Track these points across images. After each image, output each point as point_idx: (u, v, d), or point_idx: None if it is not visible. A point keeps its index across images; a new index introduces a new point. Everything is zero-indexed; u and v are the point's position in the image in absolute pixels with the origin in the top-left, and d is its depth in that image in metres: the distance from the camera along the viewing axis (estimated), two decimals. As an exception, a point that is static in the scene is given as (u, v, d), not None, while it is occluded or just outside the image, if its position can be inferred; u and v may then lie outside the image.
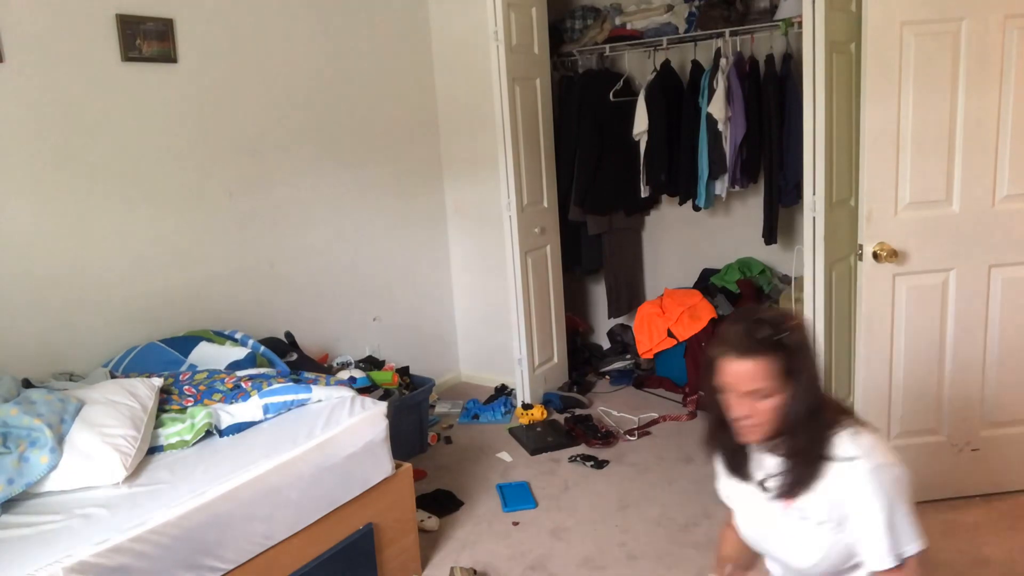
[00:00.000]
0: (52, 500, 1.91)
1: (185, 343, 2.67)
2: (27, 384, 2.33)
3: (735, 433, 1.57)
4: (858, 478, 1.49)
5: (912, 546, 1.49)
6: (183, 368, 2.59)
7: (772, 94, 3.61)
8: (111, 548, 1.72)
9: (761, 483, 1.60)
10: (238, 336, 2.83)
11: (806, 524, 1.55)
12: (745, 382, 1.48)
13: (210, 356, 2.63)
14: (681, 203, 4.04)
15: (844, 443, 1.52)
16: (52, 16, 2.52)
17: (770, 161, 3.68)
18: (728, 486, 1.73)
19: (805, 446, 1.52)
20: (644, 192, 4.06)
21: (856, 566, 1.56)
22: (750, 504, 1.66)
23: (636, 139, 3.97)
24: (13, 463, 1.89)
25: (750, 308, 1.50)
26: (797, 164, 3.55)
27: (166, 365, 2.57)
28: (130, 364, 2.56)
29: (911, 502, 1.50)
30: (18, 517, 1.83)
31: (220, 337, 2.80)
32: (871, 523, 1.48)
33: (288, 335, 3.23)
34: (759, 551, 1.73)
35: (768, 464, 1.60)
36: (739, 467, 1.65)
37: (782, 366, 1.47)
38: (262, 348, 2.81)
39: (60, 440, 1.99)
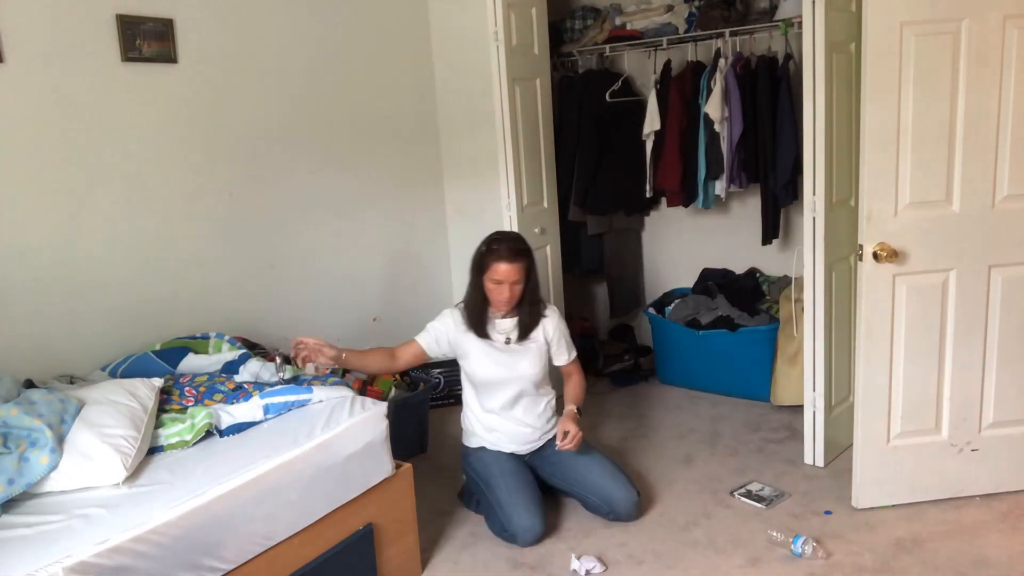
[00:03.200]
0: (52, 500, 1.91)
1: (173, 354, 2.65)
2: (29, 385, 2.33)
3: (489, 306, 2.79)
4: (552, 322, 2.88)
5: (574, 352, 2.96)
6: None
7: (768, 95, 3.61)
8: (111, 548, 1.72)
9: (507, 339, 2.82)
10: (226, 338, 2.82)
11: (531, 349, 2.82)
12: (512, 276, 2.69)
13: (197, 367, 2.63)
14: (686, 205, 4.04)
15: (544, 305, 2.91)
16: (52, 16, 2.52)
17: (767, 161, 3.68)
18: (463, 343, 2.82)
19: (534, 309, 2.82)
20: (648, 192, 4.06)
21: (544, 367, 2.87)
22: (485, 353, 2.80)
23: (644, 139, 3.98)
24: (13, 463, 1.89)
25: (506, 232, 2.92)
26: (787, 164, 3.57)
27: (158, 376, 2.55)
28: (126, 372, 2.55)
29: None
30: (18, 517, 1.83)
31: (203, 341, 2.79)
32: (560, 341, 2.90)
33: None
34: (491, 383, 2.81)
35: (503, 326, 2.82)
36: (481, 328, 2.80)
37: (528, 266, 2.73)
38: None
39: (60, 440, 1.99)
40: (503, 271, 2.66)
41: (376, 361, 2.82)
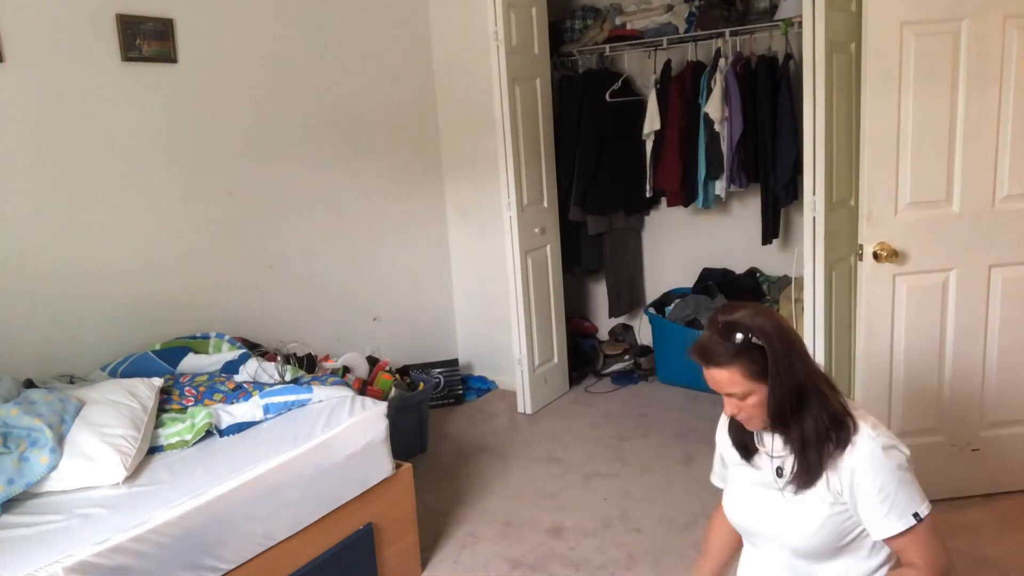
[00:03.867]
0: (52, 500, 1.91)
1: (173, 354, 2.66)
2: (29, 385, 2.33)
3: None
4: (863, 457, 1.51)
5: (921, 508, 1.53)
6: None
7: (768, 94, 3.61)
8: (111, 548, 1.72)
9: (778, 470, 1.62)
10: (226, 338, 2.82)
11: (806, 501, 1.58)
12: (723, 387, 1.55)
13: (197, 367, 2.63)
14: (686, 205, 4.04)
15: (846, 427, 1.55)
16: (52, 16, 2.52)
17: (767, 161, 3.68)
18: (729, 470, 1.76)
19: (806, 437, 1.55)
20: (648, 192, 4.06)
21: (852, 542, 1.59)
22: (746, 485, 1.69)
23: (644, 139, 3.98)
24: (13, 463, 1.90)
25: (724, 307, 1.61)
26: (787, 164, 3.57)
27: (158, 376, 2.56)
28: (126, 372, 2.55)
29: (912, 472, 1.55)
30: (18, 517, 1.83)
31: (203, 341, 2.79)
32: (875, 496, 1.50)
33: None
34: (746, 533, 1.74)
35: (775, 445, 1.63)
36: (743, 443, 1.69)
37: (753, 368, 1.51)
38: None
39: (60, 440, 1.99)
40: (711, 380, 1.57)
41: (720, 530, 1.86)
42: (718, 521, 1.85)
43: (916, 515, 1.52)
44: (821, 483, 1.56)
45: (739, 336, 1.51)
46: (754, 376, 1.52)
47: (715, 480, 1.86)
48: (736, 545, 1.82)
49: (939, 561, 1.57)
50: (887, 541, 1.55)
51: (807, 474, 1.56)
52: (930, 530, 1.55)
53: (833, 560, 1.61)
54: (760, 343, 1.51)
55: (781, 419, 1.55)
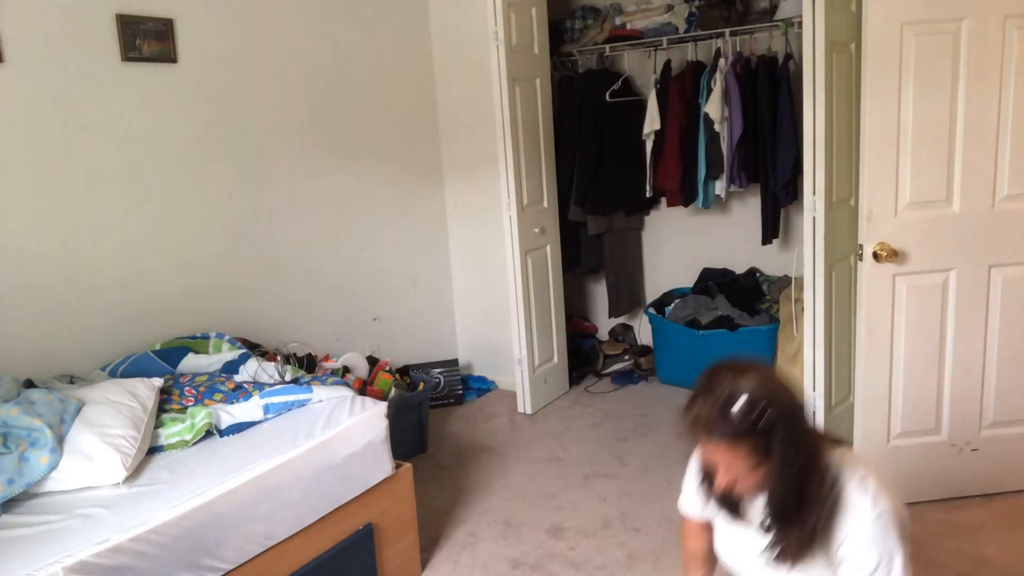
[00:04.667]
0: (52, 500, 1.91)
1: (174, 354, 2.66)
2: (29, 385, 2.33)
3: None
4: (860, 525, 1.43)
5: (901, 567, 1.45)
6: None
7: (768, 94, 3.61)
8: (111, 548, 1.72)
9: (763, 525, 1.51)
10: (227, 338, 2.83)
11: (808, 569, 1.50)
12: (723, 463, 1.42)
13: (197, 367, 2.63)
14: (686, 204, 4.04)
15: (845, 490, 1.45)
16: (52, 16, 2.52)
17: (767, 161, 3.68)
18: (708, 507, 1.66)
19: (799, 516, 1.43)
20: (648, 192, 4.06)
21: None
22: (733, 531, 1.61)
23: (644, 139, 3.98)
24: (13, 463, 1.90)
25: (721, 368, 1.45)
26: (787, 165, 3.56)
27: (158, 376, 2.56)
28: (126, 372, 2.55)
29: (907, 541, 1.48)
30: (18, 517, 1.83)
31: (203, 341, 2.79)
32: (869, 567, 1.43)
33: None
34: (729, 568, 1.68)
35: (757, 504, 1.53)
36: (734, 508, 1.57)
37: (760, 447, 1.38)
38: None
39: (60, 440, 1.99)
40: (710, 453, 1.46)
41: (696, 537, 1.81)
42: (690, 536, 1.81)
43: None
44: (819, 549, 1.46)
45: (746, 414, 1.36)
46: (758, 455, 1.39)
47: (685, 506, 1.77)
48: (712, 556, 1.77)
49: None
50: None
51: (798, 551, 1.45)
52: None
53: None
54: (768, 424, 1.36)
55: (780, 499, 1.44)
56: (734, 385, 1.39)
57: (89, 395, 2.19)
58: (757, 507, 1.53)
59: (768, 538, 1.50)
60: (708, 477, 1.57)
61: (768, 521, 1.49)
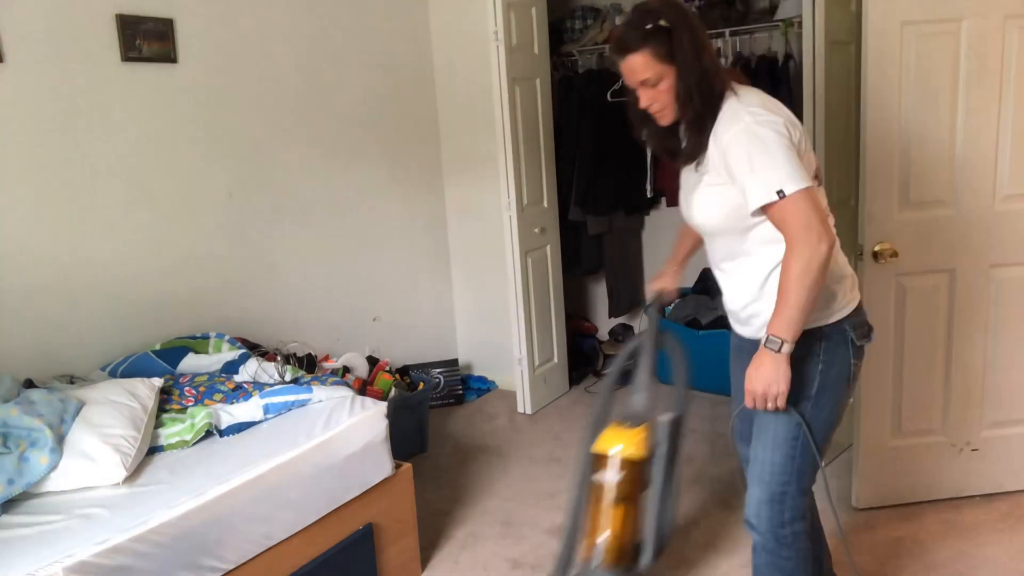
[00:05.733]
0: (52, 500, 1.91)
1: (173, 354, 2.66)
2: (30, 384, 2.33)
3: (655, 120, 1.74)
4: (733, 128, 1.60)
5: (787, 185, 1.54)
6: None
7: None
8: (111, 548, 1.72)
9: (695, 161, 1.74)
10: (227, 338, 2.82)
11: (706, 184, 1.70)
12: (636, 74, 1.65)
13: (197, 367, 2.63)
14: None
15: (731, 105, 1.64)
16: (52, 16, 2.52)
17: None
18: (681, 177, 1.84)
19: (698, 113, 1.65)
20: (649, 192, 4.07)
21: (754, 224, 1.68)
22: (685, 184, 1.83)
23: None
24: (13, 463, 1.89)
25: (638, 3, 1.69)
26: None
27: (158, 376, 2.56)
28: (126, 371, 2.55)
29: (792, 150, 1.58)
30: (18, 517, 1.83)
31: (203, 341, 2.79)
32: (743, 167, 1.59)
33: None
34: (689, 224, 1.91)
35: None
36: (673, 150, 1.79)
37: (661, 51, 1.62)
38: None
39: (60, 440, 1.99)
40: (625, 70, 1.68)
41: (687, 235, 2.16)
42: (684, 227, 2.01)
43: (780, 192, 1.54)
44: (714, 163, 1.65)
45: (648, 21, 1.62)
46: (664, 58, 1.62)
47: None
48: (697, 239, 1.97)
49: (801, 233, 1.55)
50: (767, 215, 1.61)
51: (693, 150, 1.69)
52: (798, 204, 1.55)
53: (745, 239, 1.73)
54: (667, 25, 1.61)
55: (690, 102, 1.64)
56: (642, 5, 1.66)
57: (89, 395, 2.19)
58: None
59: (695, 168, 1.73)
60: (644, 120, 1.77)
61: (684, 131, 1.73)
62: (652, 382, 1.74)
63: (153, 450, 2.14)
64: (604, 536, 1.69)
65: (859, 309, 1.76)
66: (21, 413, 2.00)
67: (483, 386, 4.22)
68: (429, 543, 2.74)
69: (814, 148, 2.84)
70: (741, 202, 1.62)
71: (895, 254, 2.56)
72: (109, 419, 2.07)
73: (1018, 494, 2.79)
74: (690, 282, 4.33)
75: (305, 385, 2.46)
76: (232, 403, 2.34)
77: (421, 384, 3.55)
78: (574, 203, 4.11)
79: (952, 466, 2.77)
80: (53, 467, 1.94)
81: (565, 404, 4.02)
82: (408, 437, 3.33)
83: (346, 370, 3.19)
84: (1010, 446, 2.77)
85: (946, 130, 2.52)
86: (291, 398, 2.39)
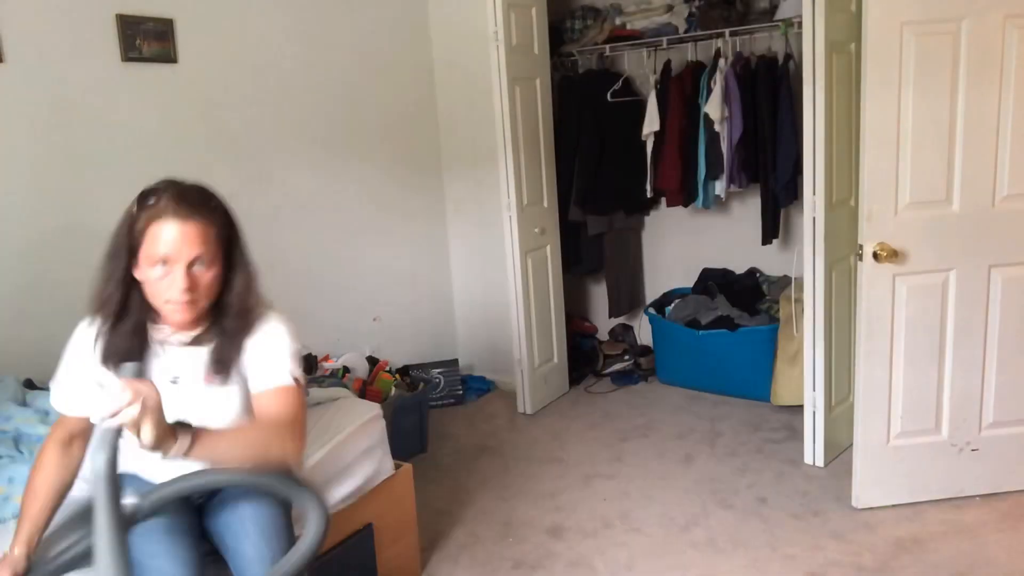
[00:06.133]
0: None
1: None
2: (30, 385, 2.33)
3: (152, 319, 1.54)
4: (269, 333, 1.59)
5: (300, 376, 1.59)
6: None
7: (767, 95, 3.61)
8: (111, 548, 1.72)
9: (174, 378, 1.56)
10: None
11: (227, 392, 1.58)
12: (191, 246, 1.44)
13: None
14: (686, 205, 4.04)
15: (268, 318, 1.61)
16: (52, 16, 2.52)
17: (767, 161, 3.68)
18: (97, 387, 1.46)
19: (241, 324, 1.55)
20: (648, 192, 4.07)
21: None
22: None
23: (644, 139, 3.98)
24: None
25: (167, 181, 1.55)
26: (787, 165, 3.57)
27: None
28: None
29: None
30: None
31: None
32: (278, 358, 1.57)
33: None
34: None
35: (178, 359, 1.57)
36: (138, 355, 1.53)
37: (221, 232, 1.50)
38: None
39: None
40: (175, 239, 1.44)
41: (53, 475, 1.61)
42: (53, 459, 1.59)
43: (296, 379, 1.56)
44: (241, 371, 1.57)
45: (215, 200, 1.52)
46: (220, 241, 1.50)
47: (61, 404, 1.60)
48: (68, 484, 1.61)
49: (299, 417, 1.54)
50: (257, 399, 1.55)
51: (226, 362, 1.55)
52: (300, 395, 1.57)
53: None
54: (226, 209, 1.54)
55: (230, 303, 1.54)
56: (180, 180, 1.55)
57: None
58: (170, 360, 1.57)
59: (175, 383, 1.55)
60: (128, 330, 1.53)
61: (215, 348, 1.55)
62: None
63: (153, 450, 2.15)
64: None
65: None
66: (37, 422, 2.02)
67: (483, 386, 4.22)
68: (429, 543, 2.74)
69: (814, 148, 2.85)
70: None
71: (895, 254, 2.56)
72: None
73: (1018, 494, 2.79)
74: (690, 282, 4.33)
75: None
76: (232, 403, 2.34)
77: (421, 384, 3.55)
78: (574, 203, 4.11)
79: (952, 466, 2.77)
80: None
81: (565, 404, 4.02)
82: (408, 437, 3.33)
83: (346, 370, 3.20)
84: (1010, 446, 2.77)
85: (946, 130, 2.52)
86: (291, 398, 2.39)
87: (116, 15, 2.67)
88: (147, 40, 2.76)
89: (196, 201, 1.48)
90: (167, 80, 2.86)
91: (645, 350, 4.42)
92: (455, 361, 4.11)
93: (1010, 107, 2.50)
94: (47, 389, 2.25)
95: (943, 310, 2.65)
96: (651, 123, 3.89)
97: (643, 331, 4.52)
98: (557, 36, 4.14)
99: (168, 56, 2.84)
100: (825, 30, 2.75)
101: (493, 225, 3.91)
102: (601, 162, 4.09)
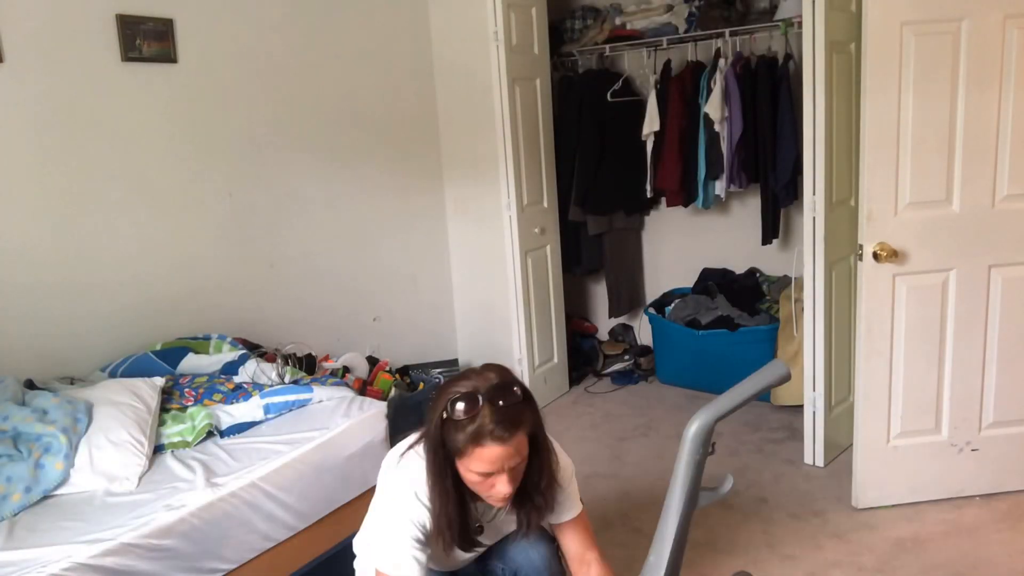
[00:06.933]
0: (53, 501, 1.92)
1: (174, 354, 2.66)
2: (30, 385, 2.33)
3: (474, 502, 1.60)
4: (565, 472, 1.70)
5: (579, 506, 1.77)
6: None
7: (767, 94, 3.61)
8: (112, 549, 1.72)
9: (481, 526, 1.68)
10: (228, 339, 2.82)
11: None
12: (512, 459, 1.47)
13: (197, 367, 2.63)
14: (686, 205, 4.04)
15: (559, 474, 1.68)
16: (52, 16, 2.52)
17: (767, 161, 3.68)
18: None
19: (548, 491, 1.62)
20: (648, 192, 4.07)
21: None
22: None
23: (644, 139, 3.98)
24: (29, 471, 1.90)
25: (472, 371, 1.53)
26: (787, 165, 3.57)
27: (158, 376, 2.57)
28: (126, 372, 2.55)
29: None
30: (19, 518, 1.84)
31: (203, 341, 2.79)
32: (573, 498, 1.74)
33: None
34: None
35: (491, 515, 1.68)
36: (466, 543, 1.63)
37: (534, 430, 1.51)
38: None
39: (73, 445, 2.00)
40: (498, 458, 1.46)
41: None
42: None
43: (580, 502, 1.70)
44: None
45: (517, 389, 1.49)
46: (530, 436, 1.51)
47: (387, 565, 1.59)
48: None
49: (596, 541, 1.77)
50: (561, 528, 1.74)
51: (535, 524, 1.64)
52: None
53: None
54: (531, 400, 1.52)
55: (539, 480, 1.59)
56: (505, 376, 1.50)
57: (93, 396, 2.20)
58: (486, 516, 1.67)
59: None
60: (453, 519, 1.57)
61: (522, 511, 1.62)
62: None
63: (155, 449, 2.15)
64: None
65: None
66: (35, 421, 2.02)
67: (483, 386, 4.21)
68: (429, 543, 2.74)
69: (814, 148, 2.85)
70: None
71: (895, 254, 2.56)
72: (118, 423, 2.09)
73: (1018, 494, 2.79)
74: (690, 282, 4.33)
75: (305, 385, 2.46)
76: (231, 403, 2.34)
77: (421, 384, 3.55)
78: (574, 203, 4.11)
79: (952, 466, 2.77)
80: (67, 473, 1.95)
81: (565, 404, 4.02)
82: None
83: (346, 370, 3.19)
84: (1010, 446, 2.77)
85: (946, 130, 2.52)
86: (291, 398, 2.39)
87: (116, 15, 2.66)
88: (147, 40, 2.76)
89: (515, 416, 1.46)
90: (167, 80, 2.86)
91: (645, 350, 4.42)
92: (455, 361, 4.11)
93: (1010, 107, 2.50)
94: (47, 389, 2.27)
95: (943, 310, 2.65)
96: (651, 123, 3.89)
97: (643, 331, 4.52)
98: (557, 36, 4.14)
99: (168, 56, 2.84)
100: (825, 30, 2.75)
101: (493, 225, 3.91)
102: (601, 162, 4.09)
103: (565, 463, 1.71)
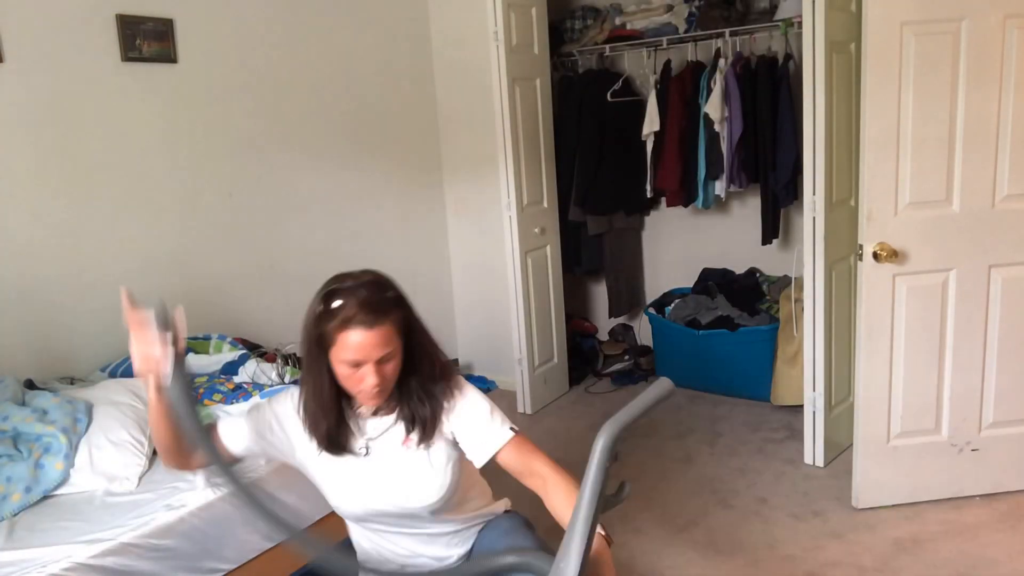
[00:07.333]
0: (53, 501, 1.92)
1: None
2: (30, 385, 2.34)
3: (348, 401, 1.59)
4: (469, 396, 1.62)
5: (513, 425, 1.66)
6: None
7: (767, 95, 3.61)
8: (111, 549, 1.72)
9: (366, 447, 1.60)
10: (228, 339, 2.82)
11: (431, 460, 1.60)
12: (378, 349, 1.49)
13: (197, 367, 2.63)
14: (686, 205, 4.04)
15: (455, 376, 1.65)
16: (52, 16, 2.52)
17: (767, 161, 3.68)
18: (303, 452, 1.62)
19: (430, 389, 1.59)
20: (648, 192, 4.07)
21: (469, 488, 1.72)
22: (348, 475, 1.61)
23: (644, 139, 3.98)
24: (30, 471, 1.90)
25: (348, 274, 1.62)
26: (787, 165, 3.57)
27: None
28: (126, 372, 2.55)
29: None
30: (19, 518, 1.84)
31: (204, 341, 2.79)
32: (484, 417, 1.61)
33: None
34: (369, 518, 1.66)
35: (373, 427, 1.61)
36: (337, 443, 1.59)
37: (402, 325, 1.54)
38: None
39: (73, 445, 2.00)
40: (364, 346, 1.48)
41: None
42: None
43: (512, 428, 1.64)
44: (439, 439, 1.60)
45: (391, 291, 1.56)
46: (401, 332, 1.54)
47: (229, 430, 1.61)
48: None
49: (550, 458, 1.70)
50: (501, 458, 1.64)
51: (429, 428, 1.58)
52: (527, 438, 1.68)
53: (453, 511, 1.68)
54: (403, 298, 1.58)
55: (418, 376, 1.57)
56: (371, 274, 1.60)
57: (94, 396, 2.20)
58: (365, 428, 1.61)
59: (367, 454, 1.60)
60: (327, 412, 1.57)
61: (406, 412, 1.59)
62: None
63: (155, 448, 2.15)
64: None
65: None
66: (35, 421, 2.02)
67: (483, 386, 4.22)
68: (429, 543, 2.74)
69: (814, 148, 2.85)
70: (465, 467, 1.68)
71: (895, 254, 2.56)
72: (118, 423, 2.09)
73: (1018, 494, 2.80)
74: (690, 282, 4.33)
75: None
76: (232, 403, 2.34)
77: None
78: (574, 203, 4.11)
79: (952, 466, 2.77)
80: (67, 473, 1.95)
81: (565, 404, 4.03)
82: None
83: (346, 370, 3.19)
84: (1010, 446, 2.77)
85: (946, 130, 2.52)
86: (291, 398, 2.39)
87: (116, 15, 2.67)
88: (147, 40, 2.76)
89: (380, 305, 1.52)
90: (167, 80, 2.86)
91: (645, 350, 4.42)
92: (455, 361, 4.11)
93: (1010, 107, 2.50)
94: (47, 389, 2.26)
95: (943, 310, 2.65)
96: (651, 123, 3.89)
97: (643, 331, 4.52)
98: (557, 36, 4.14)
99: (168, 56, 2.84)
100: (825, 30, 2.75)
101: (493, 225, 3.91)
102: (601, 162, 4.09)
103: (473, 395, 1.64)
